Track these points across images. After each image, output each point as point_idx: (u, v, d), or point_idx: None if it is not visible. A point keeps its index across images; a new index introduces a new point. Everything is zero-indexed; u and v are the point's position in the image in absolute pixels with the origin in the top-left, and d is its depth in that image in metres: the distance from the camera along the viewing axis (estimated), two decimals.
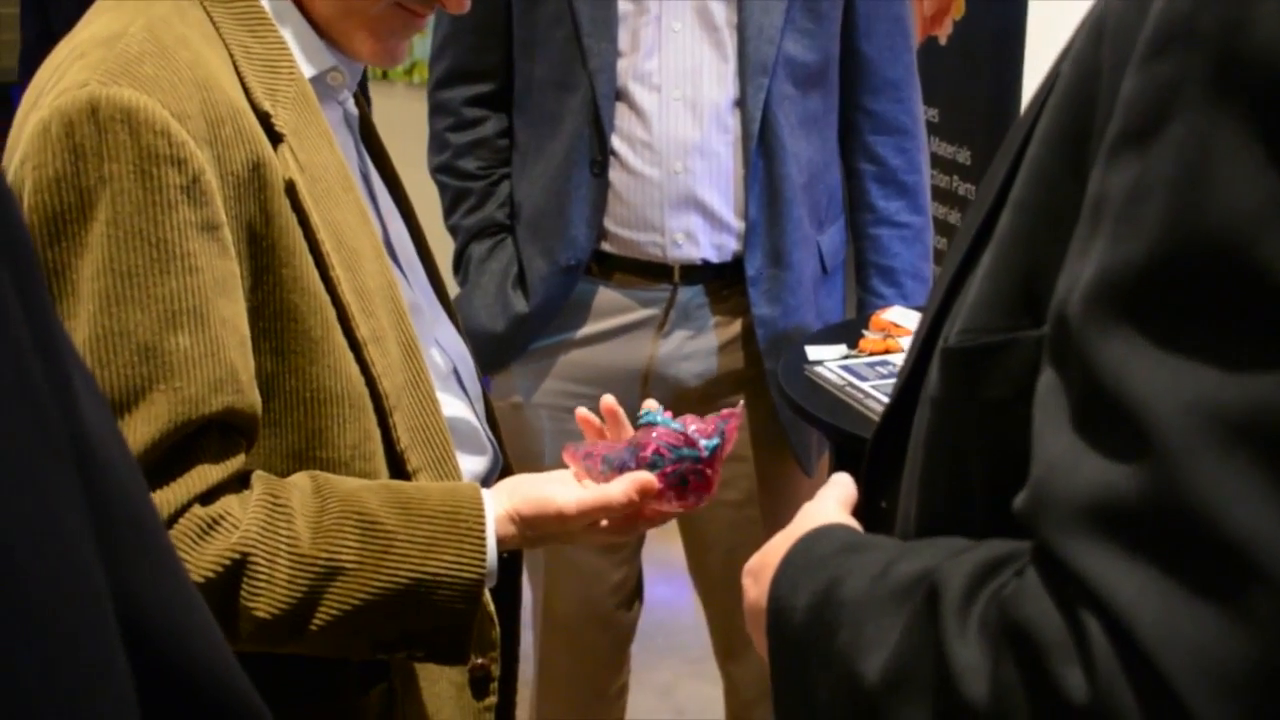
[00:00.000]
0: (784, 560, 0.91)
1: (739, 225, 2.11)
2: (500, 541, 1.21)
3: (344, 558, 1.15)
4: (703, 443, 1.25)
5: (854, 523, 0.97)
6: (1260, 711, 0.59)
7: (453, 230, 2.26)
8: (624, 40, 2.05)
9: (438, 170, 2.26)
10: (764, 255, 2.12)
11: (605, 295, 2.17)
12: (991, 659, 0.67)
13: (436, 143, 2.26)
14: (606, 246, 2.13)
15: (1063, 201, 0.72)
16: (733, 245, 2.12)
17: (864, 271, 2.27)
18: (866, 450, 1.00)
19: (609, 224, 2.11)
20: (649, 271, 2.14)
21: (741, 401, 1.30)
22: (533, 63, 2.13)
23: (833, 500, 1.00)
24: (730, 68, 2.06)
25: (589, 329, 2.19)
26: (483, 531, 1.19)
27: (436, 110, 2.25)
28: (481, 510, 1.20)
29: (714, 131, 2.07)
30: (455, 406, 1.37)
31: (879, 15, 2.15)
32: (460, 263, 2.26)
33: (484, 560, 1.19)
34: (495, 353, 2.21)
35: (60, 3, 3.30)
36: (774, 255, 2.12)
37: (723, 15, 2.05)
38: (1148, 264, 0.63)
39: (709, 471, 1.26)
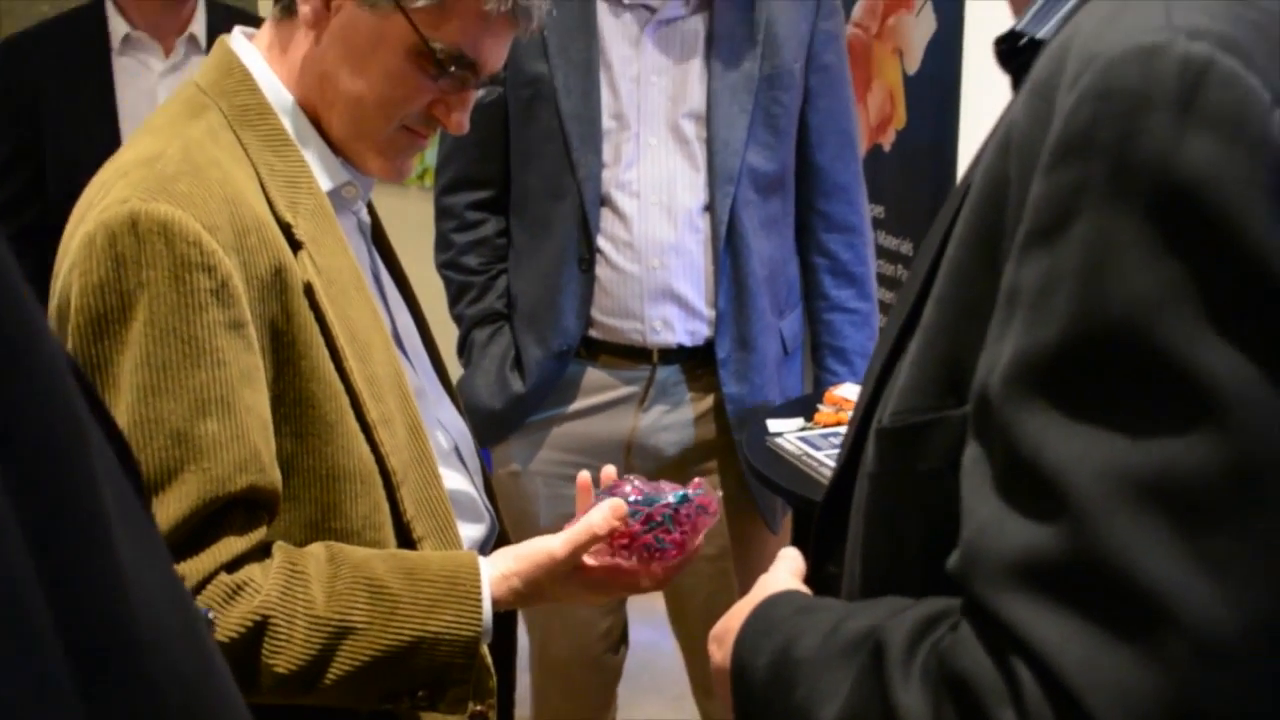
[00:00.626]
0: (744, 625, 0.91)
1: (710, 313, 2.16)
2: (496, 601, 1.22)
3: (355, 618, 1.16)
4: (670, 496, 1.29)
5: (805, 589, 0.97)
6: None
7: (457, 319, 2.30)
8: (607, 153, 2.10)
9: (443, 266, 2.30)
10: (732, 340, 2.16)
11: (592, 375, 2.21)
12: (933, 705, 0.68)
13: (442, 242, 2.30)
14: (593, 333, 2.17)
15: (979, 295, 0.73)
16: (704, 331, 2.16)
17: (819, 352, 2.31)
18: (814, 521, 1.00)
19: (595, 313, 2.16)
20: (631, 354, 2.19)
21: (703, 481, 1.34)
22: (528, 173, 2.18)
23: (785, 571, 1.00)
24: (700, 177, 2.11)
25: (578, 405, 2.22)
26: (479, 594, 1.20)
27: (442, 214, 2.29)
28: (478, 574, 1.21)
29: (687, 232, 2.12)
30: (456, 480, 1.38)
31: (829, 129, 2.20)
32: (464, 347, 2.30)
33: (480, 620, 1.20)
34: (495, 427, 2.25)
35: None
36: (741, 340, 2.17)
37: (693, 130, 2.11)
38: (1059, 346, 0.64)
39: (677, 530, 1.28)
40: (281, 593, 1.14)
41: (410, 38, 1.22)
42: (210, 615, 1.11)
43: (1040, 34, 0.80)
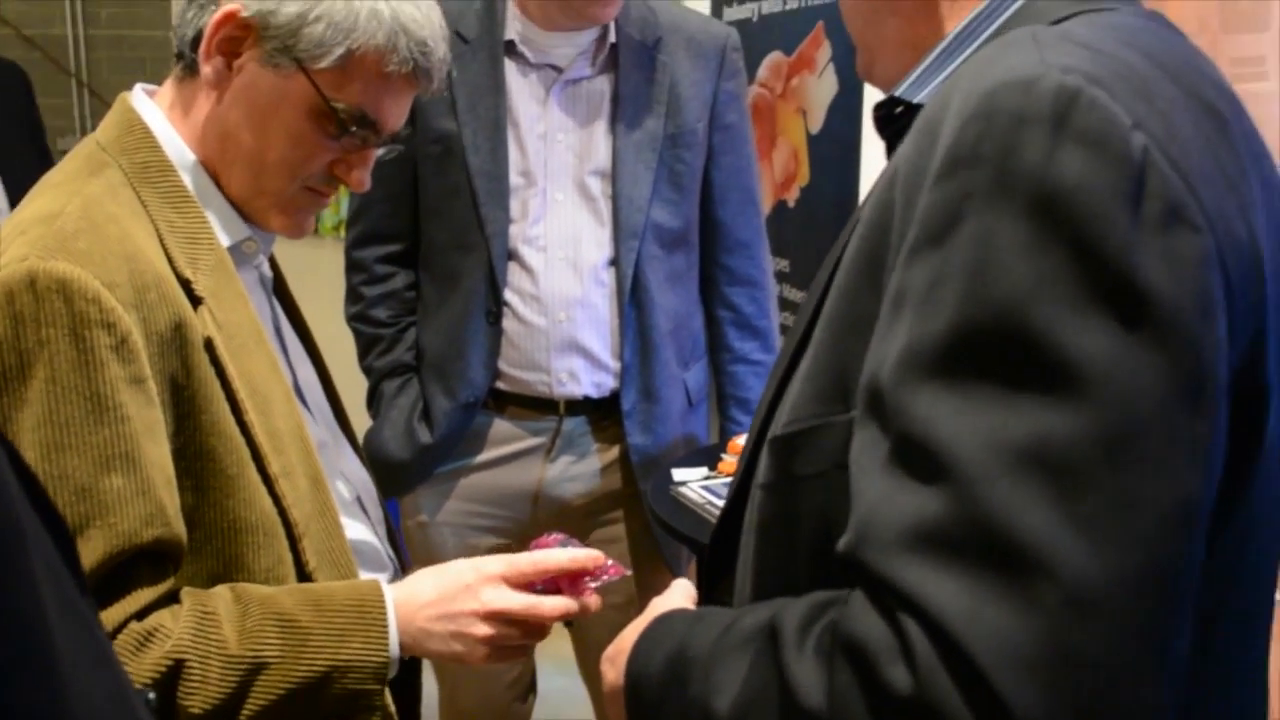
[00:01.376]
0: (637, 640, 0.94)
1: (615, 365, 2.19)
2: (402, 627, 1.22)
3: (267, 653, 1.16)
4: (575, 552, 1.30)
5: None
6: (1055, 685, 0.65)
7: (366, 371, 2.31)
8: (515, 209, 2.13)
9: (353, 319, 2.30)
10: (637, 391, 2.20)
11: (500, 426, 2.23)
12: (827, 672, 0.72)
13: (352, 295, 2.31)
14: (501, 385, 2.20)
15: (864, 311, 0.79)
16: (610, 383, 2.19)
17: (724, 402, 2.35)
18: (705, 552, 1.03)
19: (503, 365, 2.18)
20: (537, 405, 2.21)
21: (614, 563, 1.33)
22: (436, 228, 2.20)
23: (678, 595, 1.04)
24: (606, 232, 2.15)
25: (485, 456, 2.24)
26: (385, 619, 1.21)
27: (352, 267, 2.30)
28: (383, 600, 1.22)
29: (592, 286, 2.16)
30: (358, 530, 1.38)
31: (732, 186, 2.25)
32: (373, 399, 2.30)
33: (388, 644, 1.20)
34: (403, 478, 2.26)
35: None
36: (645, 391, 2.20)
37: (599, 187, 2.15)
38: (948, 333, 0.70)
39: (569, 585, 1.29)
40: (193, 635, 1.14)
41: (312, 98, 1.24)
42: (150, 697, 1.11)
43: (917, 99, 0.88)
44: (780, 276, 2.86)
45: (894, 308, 0.74)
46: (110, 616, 1.11)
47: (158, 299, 1.17)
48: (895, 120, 0.91)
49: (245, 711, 1.16)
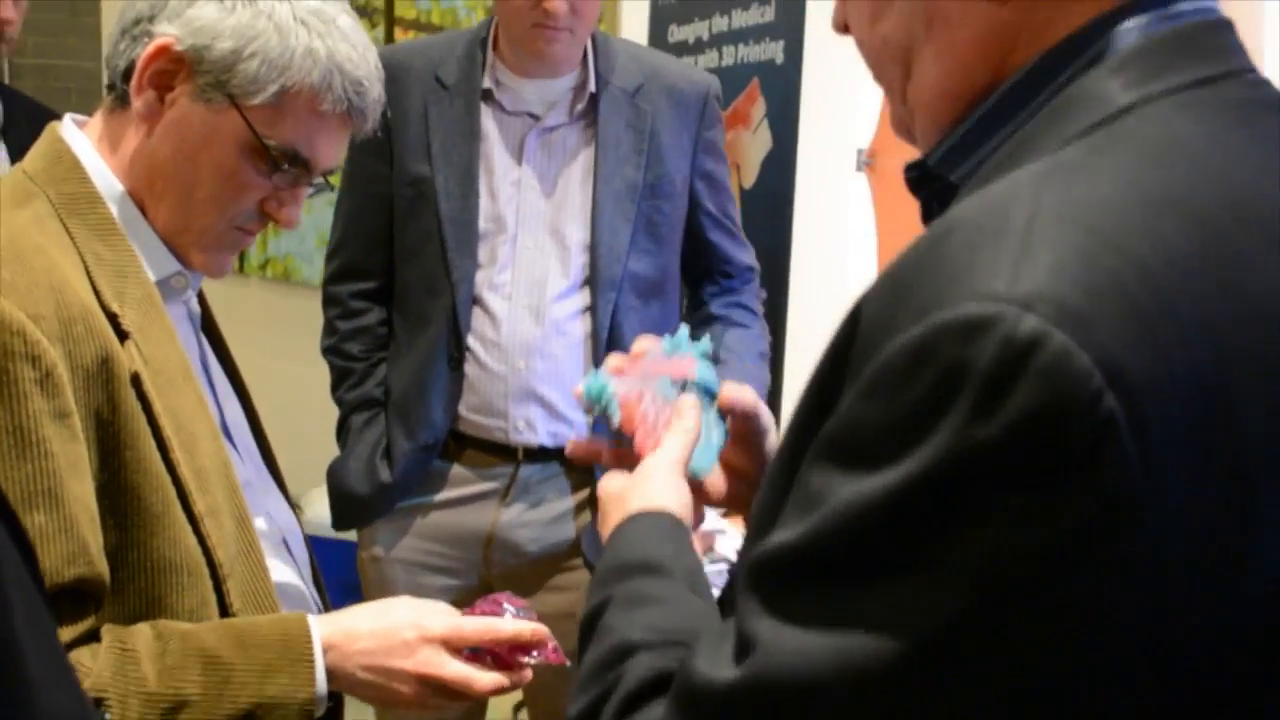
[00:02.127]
0: (610, 538, 0.98)
1: (578, 418, 2.18)
2: (333, 663, 1.21)
3: (189, 691, 1.14)
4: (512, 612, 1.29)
5: (680, 491, 1.03)
6: None
7: (338, 402, 2.32)
8: (483, 255, 2.14)
9: (327, 351, 2.32)
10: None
11: (458, 469, 2.23)
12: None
13: (328, 328, 2.32)
14: (461, 428, 2.20)
15: (788, 463, 0.74)
16: (568, 433, 2.18)
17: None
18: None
19: (463, 409, 2.19)
20: (495, 451, 2.21)
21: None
22: (408, 269, 2.22)
23: (665, 467, 1.05)
24: (577, 282, 2.15)
25: (443, 496, 2.24)
26: (311, 654, 1.19)
27: (328, 301, 2.32)
28: (309, 635, 1.20)
29: (554, 336, 2.15)
30: (284, 572, 1.36)
31: (721, 228, 2.28)
32: (341, 431, 2.31)
33: (314, 681, 1.19)
34: (362, 512, 2.27)
35: None
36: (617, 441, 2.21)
37: (575, 236, 2.15)
38: (794, 550, 0.67)
39: (507, 653, 1.28)
40: (113, 672, 1.12)
41: (244, 134, 1.23)
42: (107, 717, 1.10)
43: (953, 176, 0.79)
44: None
45: (791, 497, 0.71)
46: None
47: (84, 332, 1.14)
48: (927, 183, 0.83)
49: None
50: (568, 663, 1.31)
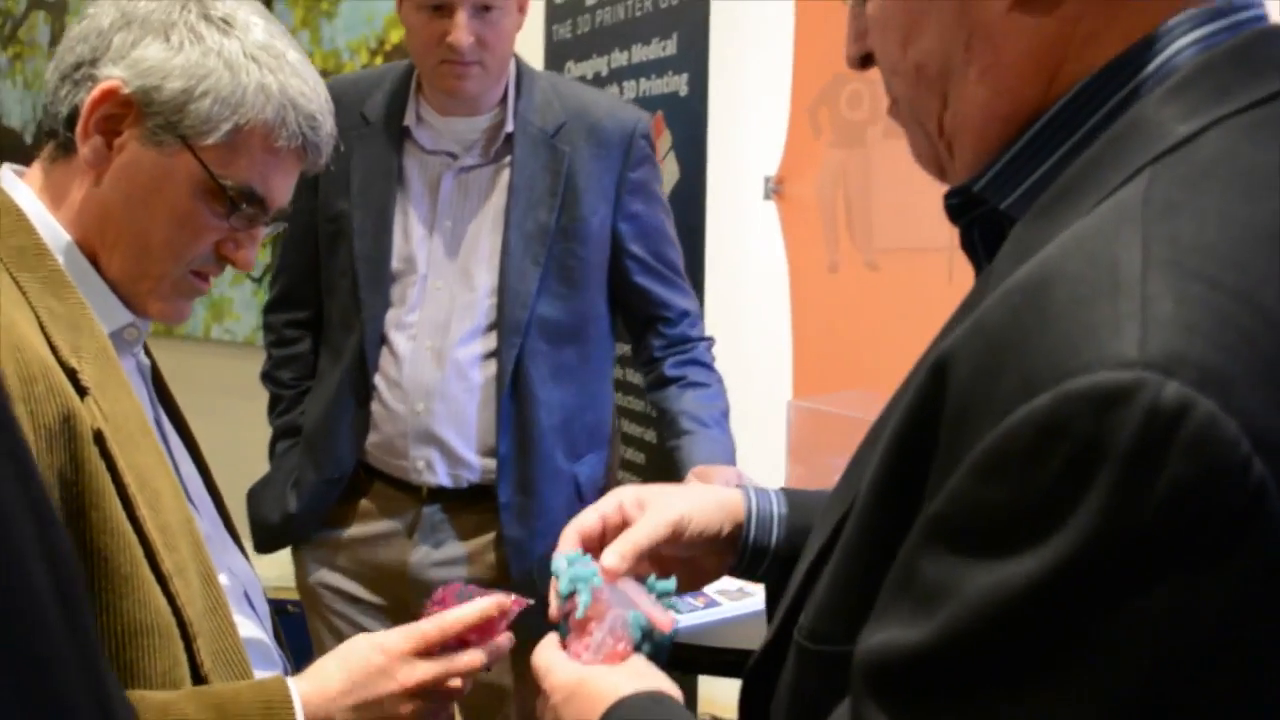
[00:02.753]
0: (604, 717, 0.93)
1: (479, 461, 2.16)
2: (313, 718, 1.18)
3: None
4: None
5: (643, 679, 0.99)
6: None
7: (271, 427, 2.32)
8: (394, 295, 2.13)
9: (263, 377, 2.33)
10: (513, 485, 2.16)
11: (365, 505, 2.22)
12: None
13: (266, 355, 2.33)
14: (370, 462, 2.20)
15: (885, 539, 0.69)
16: (468, 476, 2.17)
17: (674, 421, 2.23)
18: (741, 691, 0.95)
19: (369, 446, 2.18)
20: (401, 488, 2.19)
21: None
22: (329, 304, 2.22)
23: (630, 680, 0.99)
24: (484, 325, 2.13)
25: (353, 531, 2.23)
26: (293, 717, 1.16)
27: (266, 328, 2.34)
28: (290, 699, 1.17)
29: (454, 379, 2.13)
30: (249, 627, 1.33)
31: (650, 270, 2.23)
32: (271, 454, 2.32)
33: None
34: (275, 538, 2.28)
35: None
36: (523, 485, 2.17)
37: (483, 279, 2.12)
38: (929, 651, 0.61)
39: (479, 634, 1.26)
40: None
41: (199, 176, 1.20)
42: None
43: (1003, 206, 0.75)
44: (622, 360, 2.87)
45: (897, 585, 0.66)
46: None
47: (45, 391, 1.10)
48: (973, 208, 0.78)
49: None
50: (530, 600, 1.30)
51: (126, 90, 1.18)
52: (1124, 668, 0.55)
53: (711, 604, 1.96)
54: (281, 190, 1.27)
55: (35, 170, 1.26)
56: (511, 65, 2.14)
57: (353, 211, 2.12)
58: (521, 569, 2.18)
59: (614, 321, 2.30)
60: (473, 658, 1.25)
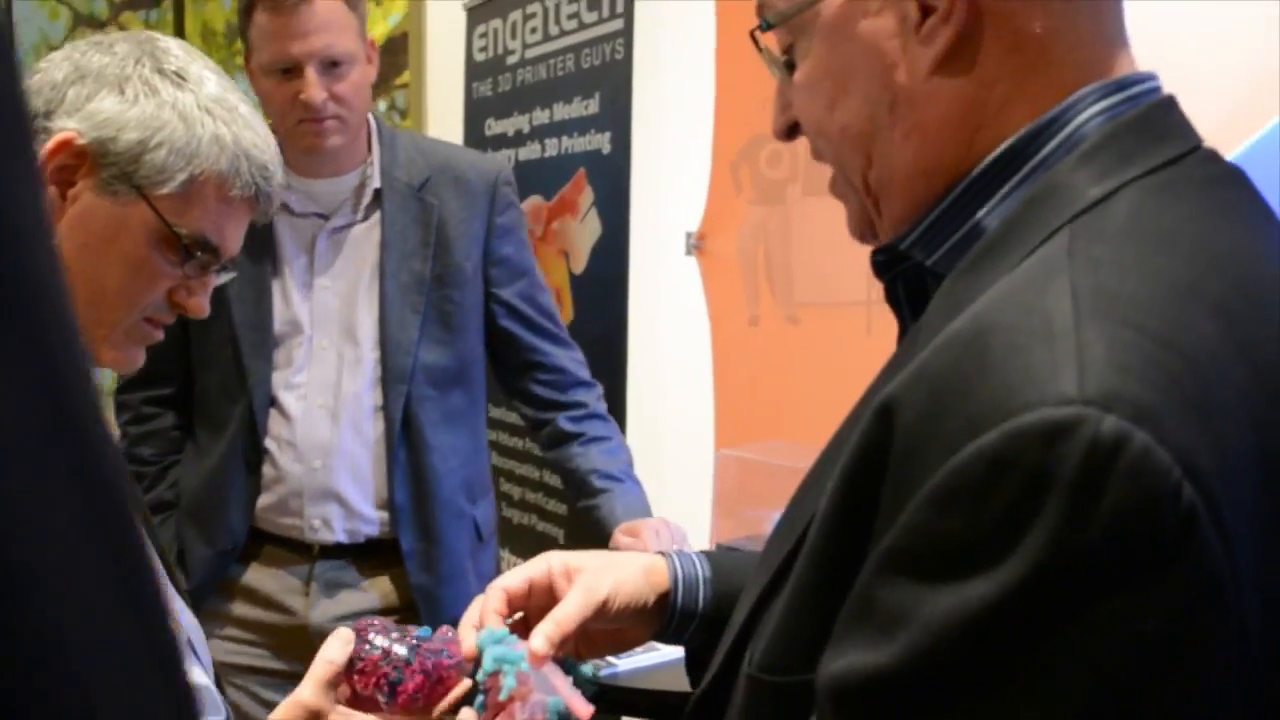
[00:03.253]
0: None
1: (376, 514, 2.16)
2: None
3: None
4: (413, 632, 1.25)
5: None
6: None
7: None
8: (279, 358, 2.12)
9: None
10: (414, 532, 2.16)
11: (256, 570, 2.19)
12: None
13: (121, 434, 2.24)
14: (259, 525, 2.16)
15: (839, 570, 0.72)
16: (365, 530, 2.16)
17: (582, 482, 2.22)
18: None
19: (259, 510, 2.15)
20: (293, 548, 2.17)
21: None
22: (206, 375, 2.18)
23: None
24: (371, 378, 2.13)
25: (246, 599, 2.19)
26: None
27: (118, 408, 2.26)
28: None
29: (349, 433, 2.13)
30: (196, 674, 1.31)
31: (520, 313, 2.23)
32: None
33: None
34: None
35: None
36: (424, 531, 2.16)
37: (366, 333, 2.13)
38: (891, 674, 0.64)
39: (417, 662, 1.23)
40: None
41: (154, 225, 1.21)
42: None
43: (929, 262, 0.80)
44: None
45: (853, 614, 0.69)
46: None
47: None
48: (898, 264, 0.84)
49: None
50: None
51: (81, 141, 1.19)
52: (1075, 680, 0.60)
53: (650, 648, 1.97)
54: (234, 238, 1.29)
55: None
56: (371, 122, 2.18)
57: (229, 282, 2.12)
58: (432, 619, 2.15)
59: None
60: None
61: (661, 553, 1.19)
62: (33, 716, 0.32)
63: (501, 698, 1.08)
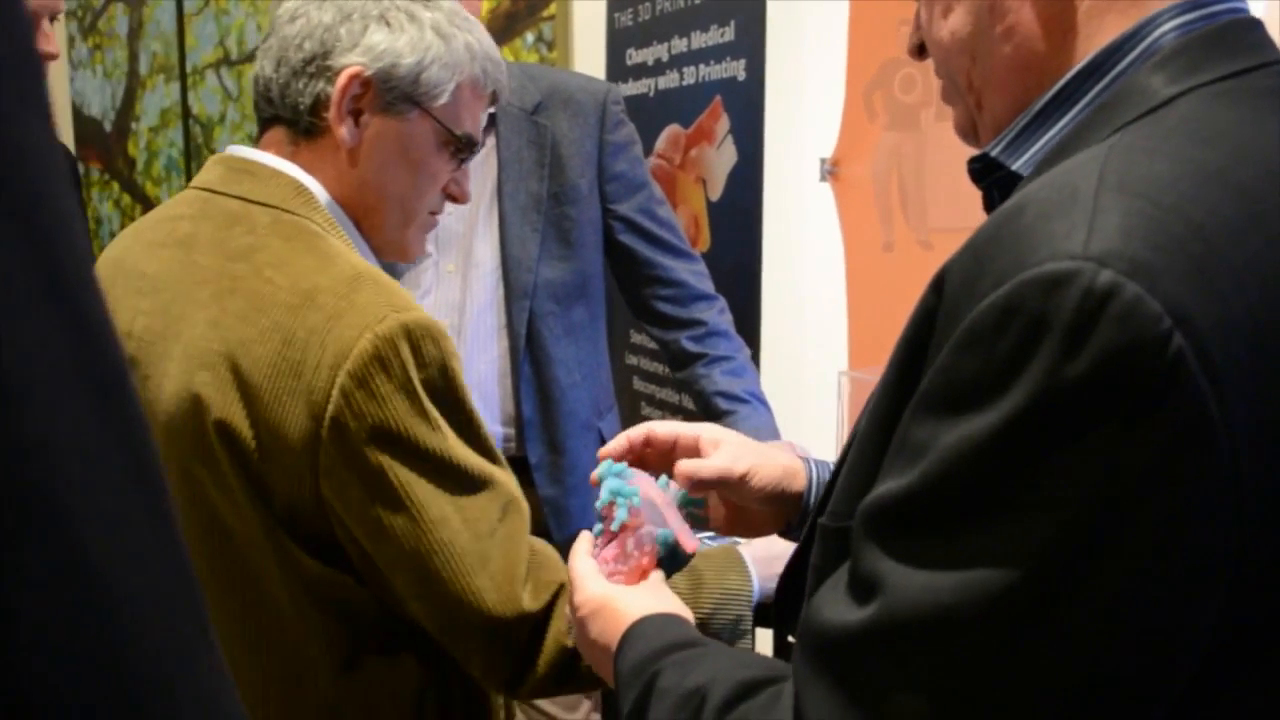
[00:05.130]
0: (624, 638, 1.02)
1: (500, 430, 2.24)
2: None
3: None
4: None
5: (663, 599, 1.09)
6: None
7: None
8: (406, 282, 2.20)
9: None
10: (543, 445, 2.24)
11: None
12: None
13: None
14: None
15: (893, 427, 0.79)
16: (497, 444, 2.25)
17: (710, 404, 2.26)
18: (777, 591, 1.08)
19: None
20: None
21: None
22: None
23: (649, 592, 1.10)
24: (495, 297, 2.21)
25: None
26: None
27: None
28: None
29: (475, 351, 2.22)
30: None
31: (640, 228, 2.29)
32: None
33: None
34: None
35: None
36: (552, 444, 2.25)
37: (487, 254, 2.22)
38: (909, 496, 0.73)
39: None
40: None
41: (438, 133, 1.38)
42: None
43: (1014, 167, 0.87)
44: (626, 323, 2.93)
45: (893, 451, 0.78)
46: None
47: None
48: (994, 172, 0.90)
49: None
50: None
51: (368, 73, 1.32)
52: (1057, 507, 0.67)
53: (734, 543, 2.02)
54: (480, 129, 1.45)
55: (288, 157, 1.36)
56: None
57: None
58: (562, 534, 2.23)
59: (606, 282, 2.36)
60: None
61: (801, 457, 1.28)
62: (6, 521, 0.35)
63: (613, 527, 1.16)
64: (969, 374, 0.71)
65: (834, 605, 0.77)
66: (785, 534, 1.29)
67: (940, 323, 0.75)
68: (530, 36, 4.07)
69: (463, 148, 1.40)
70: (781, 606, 1.05)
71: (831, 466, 1.24)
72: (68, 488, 0.36)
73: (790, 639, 1.02)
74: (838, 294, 2.76)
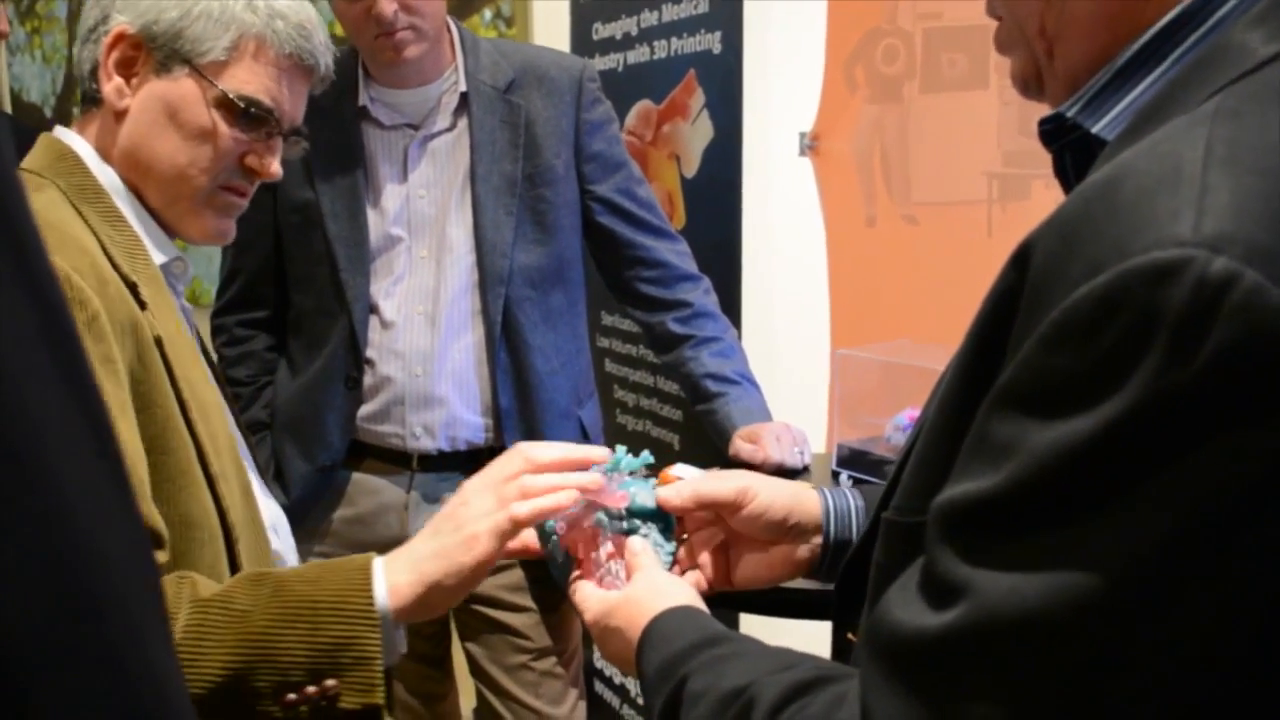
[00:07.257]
0: (643, 640, 0.98)
1: (478, 420, 2.17)
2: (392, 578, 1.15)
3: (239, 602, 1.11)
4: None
5: (690, 593, 1.04)
6: None
7: None
8: (378, 268, 2.14)
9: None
10: (521, 435, 2.16)
11: (358, 480, 2.22)
12: None
13: (217, 356, 2.27)
14: (359, 437, 2.19)
15: (961, 418, 0.74)
16: (466, 436, 2.17)
17: (697, 388, 2.22)
18: (836, 588, 1.01)
19: (360, 419, 2.18)
20: (393, 459, 2.19)
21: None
22: (303, 295, 2.22)
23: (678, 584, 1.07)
24: (470, 282, 2.14)
25: (344, 512, 2.22)
26: (368, 569, 1.16)
27: (215, 331, 2.31)
28: (368, 563, 1.18)
29: (450, 341, 2.15)
30: (283, 551, 1.39)
31: (619, 208, 2.24)
32: None
33: (371, 587, 1.13)
34: None
35: None
36: (529, 434, 2.17)
37: (462, 238, 2.14)
38: (994, 500, 0.67)
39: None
40: (171, 596, 1.14)
41: (208, 91, 1.31)
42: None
43: (1095, 129, 0.79)
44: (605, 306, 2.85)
45: (970, 447, 0.71)
46: None
47: (116, 294, 1.18)
48: (1061, 135, 0.82)
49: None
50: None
51: (131, 30, 1.29)
52: (1170, 516, 0.61)
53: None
54: (289, 102, 1.37)
55: (76, 128, 1.36)
56: (454, 29, 2.18)
57: (320, 198, 2.14)
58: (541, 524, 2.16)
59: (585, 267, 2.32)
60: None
61: (815, 488, 1.21)
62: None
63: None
64: (1063, 372, 0.64)
65: (906, 607, 0.72)
66: (812, 574, 1.22)
67: (1024, 303, 0.69)
68: (488, 13, 3.96)
69: (254, 114, 1.32)
70: (841, 602, 0.99)
71: (849, 493, 1.19)
72: (47, 450, 0.40)
73: (850, 636, 0.96)
74: (819, 271, 2.69)
